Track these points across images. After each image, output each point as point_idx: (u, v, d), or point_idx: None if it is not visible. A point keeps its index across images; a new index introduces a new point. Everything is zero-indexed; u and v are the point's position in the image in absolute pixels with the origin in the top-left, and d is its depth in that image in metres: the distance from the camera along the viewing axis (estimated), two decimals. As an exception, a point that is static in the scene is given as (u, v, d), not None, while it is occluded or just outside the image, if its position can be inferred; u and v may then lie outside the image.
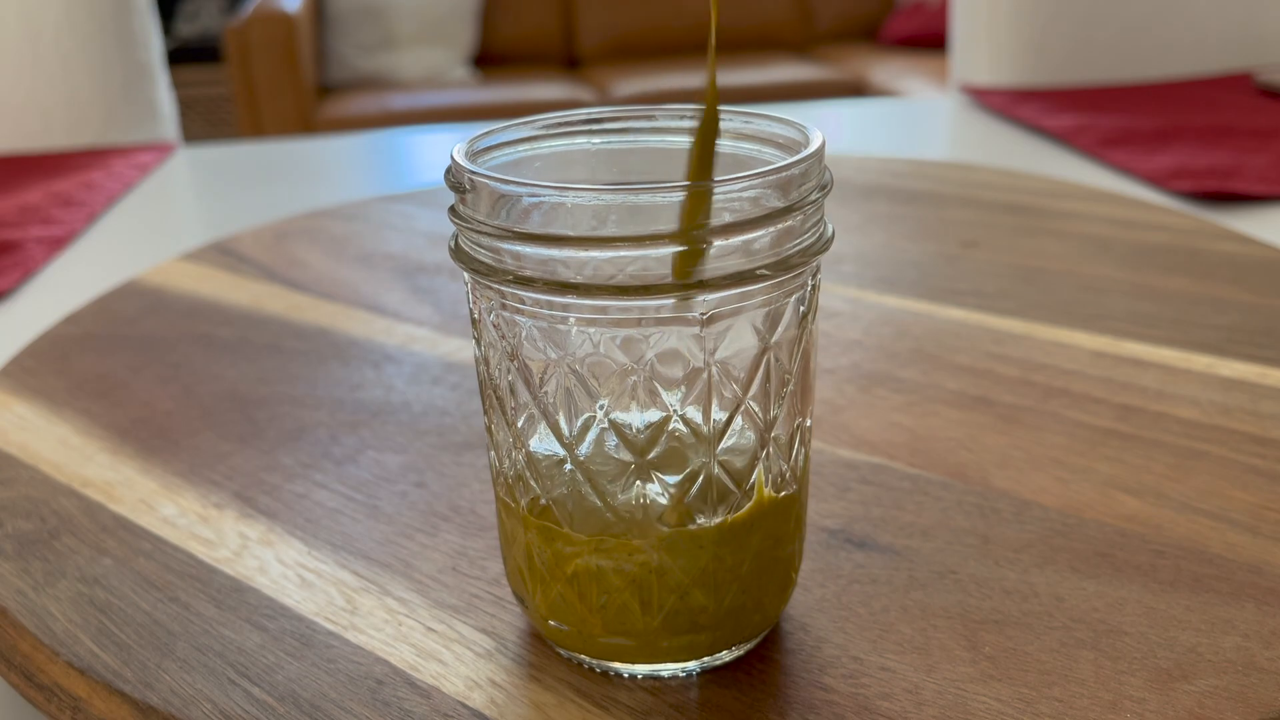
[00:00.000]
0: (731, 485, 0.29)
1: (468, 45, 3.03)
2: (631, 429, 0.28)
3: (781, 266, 0.27)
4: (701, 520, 0.28)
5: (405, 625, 0.33)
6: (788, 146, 0.30)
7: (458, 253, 0.28)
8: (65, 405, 0.48)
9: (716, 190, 0.26)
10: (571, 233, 0.26)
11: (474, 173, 0.27)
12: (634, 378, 0.28)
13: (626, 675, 0.30)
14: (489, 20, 3.08)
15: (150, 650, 0.32)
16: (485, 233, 0.27)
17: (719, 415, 0.28)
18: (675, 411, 0.28)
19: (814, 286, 0.29)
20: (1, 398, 0.49)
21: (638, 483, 0.28)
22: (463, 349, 0.52)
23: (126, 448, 0.44)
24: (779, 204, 0.27)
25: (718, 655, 0.31)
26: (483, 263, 0.27)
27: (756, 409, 0.29)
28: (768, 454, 0.29)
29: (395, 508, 0.39)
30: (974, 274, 0.59)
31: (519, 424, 0.29)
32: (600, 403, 0.28)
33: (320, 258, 0.66)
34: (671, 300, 0.26)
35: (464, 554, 0.36)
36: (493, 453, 0.31)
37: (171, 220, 0.87)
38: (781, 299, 0.28)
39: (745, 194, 0.26)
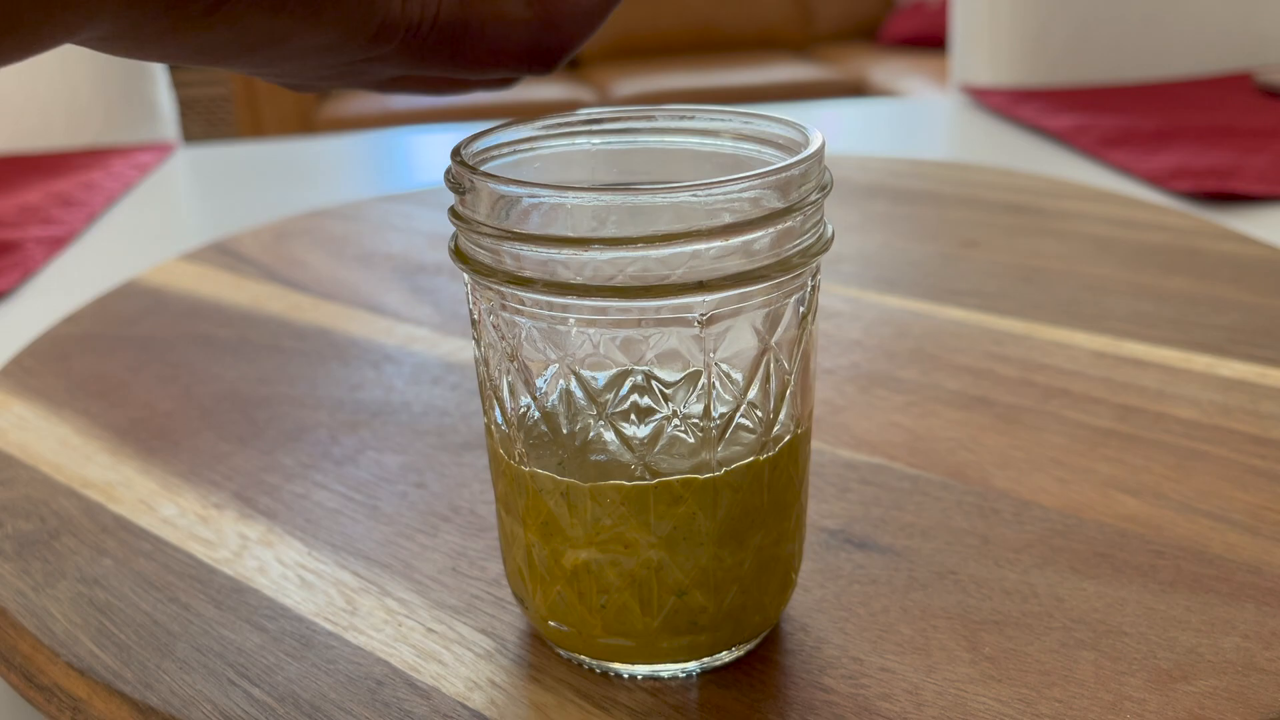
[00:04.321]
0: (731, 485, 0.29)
1: (468, 45, 3.03)
2: (631, 430, 0.28)
3: (781, 267, 0.27)
4: (700, 519, 0.28)
5: (405, 626, 0.33)
6: (788, 147, 0.30)
7: (457, 253, 0.28)
8: (65, 405, 0.48)
9: (717, 191, 0.26)
10: (571, 233, 0.26)
11: (474, 173, 0.27)
12: (634, 378, 0.28)
13: (626, 676, 0.30)
14: (489, 20, 3.07)
15: (150, 651, 0.32)
16: (485, 233, 0.27)
17: (719, 415, 0.28)
18: (676, 412, 0.28)
19: (814, 287, 0.29)
20: (1, 398, 0.49)
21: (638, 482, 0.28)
22: (463, 349, 0.52)
23: (126, 448, 0.44)
24: (779, 205, 0.27)
25: (718, 656, 0.31)
26: (482, 263, 0.27)
27: (756, 409, 0.29)
28: (768, 454, 0.29)
29: (395, 508, 0.39)
30: (974, 274, 0.59)
31: (518, 425, 0.29)
32: (600, 405, 0.28)
33: (320, 258, 0.66)
34: (672, 301, 0.26)
35: (464, 554, 0.36)
36: (492, 453, 0.31)
37: (171, 220, 0.87)
38: (781, 299, 0.28)
39: (745, 195, 0.26)
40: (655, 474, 0.28)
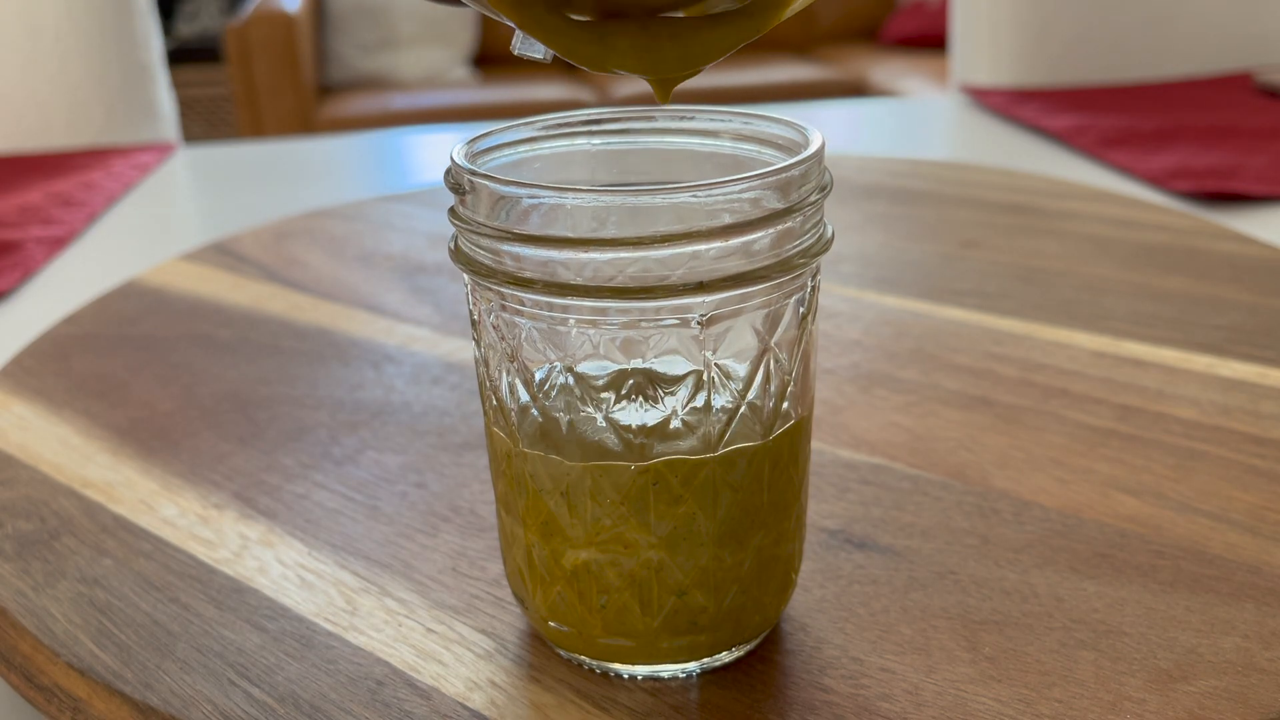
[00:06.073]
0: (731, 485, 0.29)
1: (468, 45, 3.03)
2: (631, 431, 0.28)
3: (781, 268, 0.27)
4: (700, 519, 0.28)
5: (405, 626, 0.33)
6: (787, 147, 0.30)
7: (457, 254, 0.28)
8: (65, 405, 0.48)
9: (717, 191, 0.26)
10: (571, 234, 0.26)
11: (474, 174, 0.27)
12: (634, 379, 0.28)
13: (626, 676, 0.30)
14: (489, 20, 3.07)
15: (150, 651, 0.32)
16: (485, 234, 0.27)
17: (719, 416, 0.28)
18: (675, 412, 0.28)
19: (814, 287, 0.29)
20: (1, 398, 0.49)
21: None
22: (463, 349, 0.52)
23: (126, 448, 0.44)
24: (779, 205, 0.27)
25: (718, 656, 0.31)
26: (482, 264, 0.27)
27: (756, 409, 0.29)
28: (767, 454, 0.29)
29: (395, 508, 0.39)
30: (974, 274, 0.59)
31: (518, 425, 0.29)
32: (600, 404, 0.28)
33: (320, 258, 0.66)
34: (671, 302, 0.26)
35: (464, 554, 0.36)
36: (492, 453, 0.31)
37: (171, 220, 0.87)
38: (781, 300, 0.28)
39: (745, 195, 0.26)
40: (655, 474, 0.28)
